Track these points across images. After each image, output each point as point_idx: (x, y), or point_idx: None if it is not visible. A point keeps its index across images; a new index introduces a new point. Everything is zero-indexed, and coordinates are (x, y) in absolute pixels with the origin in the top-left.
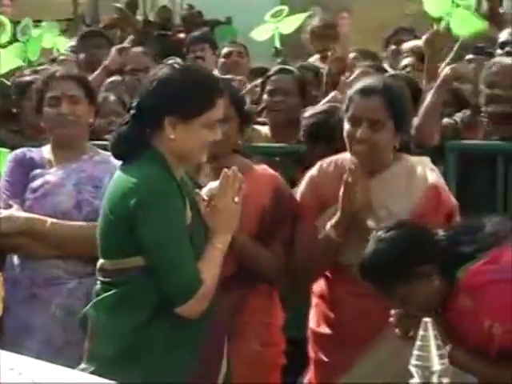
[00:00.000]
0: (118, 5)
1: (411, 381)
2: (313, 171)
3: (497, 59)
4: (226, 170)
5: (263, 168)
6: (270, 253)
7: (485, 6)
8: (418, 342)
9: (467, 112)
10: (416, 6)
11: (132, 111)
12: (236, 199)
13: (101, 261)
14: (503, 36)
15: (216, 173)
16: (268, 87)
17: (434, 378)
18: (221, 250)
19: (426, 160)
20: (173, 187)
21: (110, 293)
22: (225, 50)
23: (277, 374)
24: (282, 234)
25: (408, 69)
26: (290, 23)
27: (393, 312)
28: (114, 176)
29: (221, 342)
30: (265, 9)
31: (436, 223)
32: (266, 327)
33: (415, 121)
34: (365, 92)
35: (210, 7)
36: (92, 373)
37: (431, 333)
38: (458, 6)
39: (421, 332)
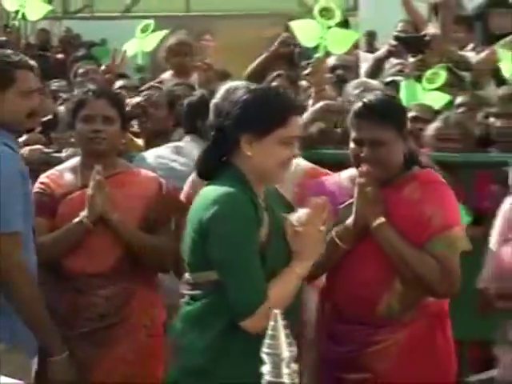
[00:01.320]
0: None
1: (263, 367)
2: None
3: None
4: (315, 198)
5: (145, 171)
6: (158, 241)
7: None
8: (269, 332)
9: None
10: (274, 30)
11: (212, 132)
12: (322, 228)
13: (186, 274)
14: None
15: None
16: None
17: (283, 364)
18: (297, 275)
19: None
20: (248, 204)
21: (190, 307)
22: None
23: (161, 364)
24: (167, 229)
25: None
26: (152, 40)
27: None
28: (200, 192)
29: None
30: (136, 32)
31: None
32: (151, 318)
33: None
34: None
35: (87, 30)
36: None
37: (280, 323)
38: (329, 27)
39: (271, 322)
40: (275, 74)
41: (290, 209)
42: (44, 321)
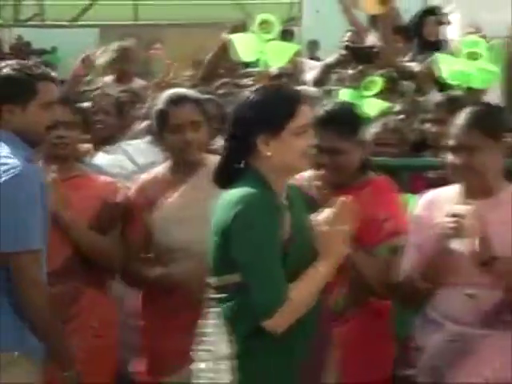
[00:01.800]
0: None
1: (201, 364)
2: (143, 176)
3: None
4: (342, 198)
5: (104, 177)
6: (107, 244)
7: None
8: (208, 330)
9: None
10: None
11: (226, 140)
12: (346, 227)
13: (211, 278)
14: None
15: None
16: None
17: (222, 362)
18: (322, 274)
19: None
20: (269, 204)
21: (215, 310)
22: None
23: (109, 364)
24: (115, 233)
25: None
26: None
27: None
28: (220, 196)
29: (321, 354)
30: (85, 39)
31: None
32: (99, 319)
33: None
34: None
35: (37, 38)
36: None
37: (220, 321)
38: (268, 40)
39: (210, 321)
40: (220, 82)
41: (313, 206)
42: (58, 337)
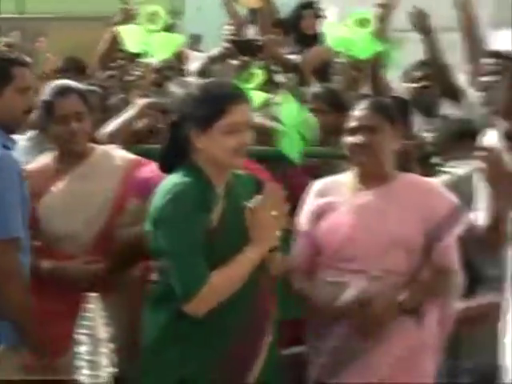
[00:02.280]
0: None
1: (81, 348)
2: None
3: None
4: (270, 183)
5: None
6: None
7: None
8: (87, 314)
9: None
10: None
11: (169, 130)
12: (274, 213)
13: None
14: None
15: None
16: None
17: (101, 345)
18: (250, 259)
19: None
20: (196, 195)
21: (153, 290)
22: None
23: None
24: None
25: None
26: None
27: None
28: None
29: (252, 343)
30: None
31: None
32: None
33: None
34: None
35: None
36: None
37: (98, 306)
38: (153, 32)
39: (89, 305)
40: (108, 74)
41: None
42: (32, 326)
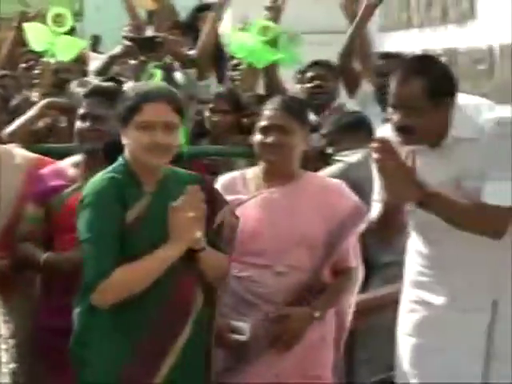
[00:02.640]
0: None
1: None
2: None
3: None
4: (190, 186)
5: None
6: None
7: None
8: None
9: None
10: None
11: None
12: (191, 214)
13: None
14: None
15: None
16: None
17: (1, 341)
18: (164, 256)
19: None
20: (112, 189)
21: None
22: None
23: None
24: None
25: None
26: None
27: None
28: None
29: (163, 341)
30: None
31: None
32: None
33: None
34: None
35: None
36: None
37: None
38: (58, 34)
39: None
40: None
41: (213, 202)
42: None
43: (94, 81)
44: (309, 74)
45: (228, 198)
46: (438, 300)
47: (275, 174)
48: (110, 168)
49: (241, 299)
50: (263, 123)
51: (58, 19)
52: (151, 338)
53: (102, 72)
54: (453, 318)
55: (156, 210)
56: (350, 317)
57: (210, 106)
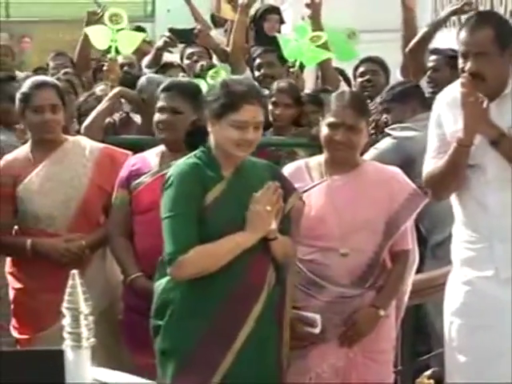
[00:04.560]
0: None
1: (63, 321)
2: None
3: None
4: (271, 182)
5: None
6: None
7: None
8: (68, 289)
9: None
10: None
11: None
12: (268, 208)
13: None
14: None
15: None
16: None
17: (82, 317)
18: (236, 242)
19: None
20: (195, 173)
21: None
22: None
23: None
24: None
25: None
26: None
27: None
28: None
29: (238, 314)
30: None
31: None
32: None
33: None
34: None
35: None
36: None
37: (78, 281)
38: (118, 30)
39: (70, 281)
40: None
41: (284, 189)
42: None
43: (159, 77)
44: (361, 69)
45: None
46: (484, 273)
47: (339, 164)
48: (191, 154)
49: (308, 281)
50: (333, 119)
51: (115, 18)
52: (227, 310)
53: (151, 65)
54: (495, 291)
55: (233, 193)
56: (407, 296)
57: (273, 99)
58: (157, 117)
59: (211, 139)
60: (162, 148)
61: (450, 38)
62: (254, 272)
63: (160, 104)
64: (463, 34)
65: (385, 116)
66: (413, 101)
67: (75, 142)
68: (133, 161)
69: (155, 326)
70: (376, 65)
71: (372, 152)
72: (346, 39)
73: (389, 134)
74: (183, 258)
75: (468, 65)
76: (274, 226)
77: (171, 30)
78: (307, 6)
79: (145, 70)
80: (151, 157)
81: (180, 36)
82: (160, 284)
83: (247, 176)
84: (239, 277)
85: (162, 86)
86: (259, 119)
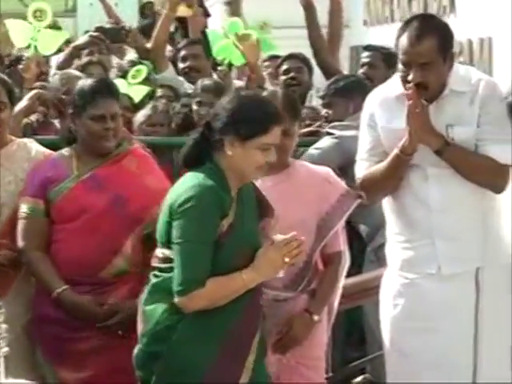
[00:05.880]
0: None
1: None
2: None
3: None
4: (295, 233)
5: None
6: None
7: None
8: None
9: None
10: None
11: (202, 129)
12: (286, 259)
13: (157, 249)
14: None
15: None
16: None
17: None
18: (243, 282)
19: None
20: (215, 196)
21: (156, 278)
22: None
23: None
24: None
25: None
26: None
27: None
28: (182, 177)
29: (244, 341)
30: None
31: None
32: None
33: None
34: None
35: None
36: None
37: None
38: (40, 29)
39: None
40: None
41: (261, 207)
42: None
43: (79, 74)
44: (284, 67)
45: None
46: (426, 272)
47: (269, 165)
48: (201, 173)
49: None
50: None
51: (39, 14)
52: (234, 338)
53: (64, 65)
54: (439, 289)
55: (241, 217)
56: (338, 299)
57: (197, 99)
58: (104, 125)
59: (224, 159)
60: (72, 151)
61: (382, 35)
62: (256, 296)
63: (102, 111)
64: (405, 42)
65: (325, 111)
66: (357, 97)
67: (20, 145)
68: (43, 167)
69: (151, 352)
70: (300, 62)
71: (312, 152)
72: (259, 31)
73: (329, 133)
74: (198, 292)
75: (412, 75)
76: (281, 274)
77: (99, 29)
78: (227, 4)
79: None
80: (62, 161)
81: (108, 35)
82: (154, 310)
83: (243, 196)
84: (244, 303)
85: (93, 89)
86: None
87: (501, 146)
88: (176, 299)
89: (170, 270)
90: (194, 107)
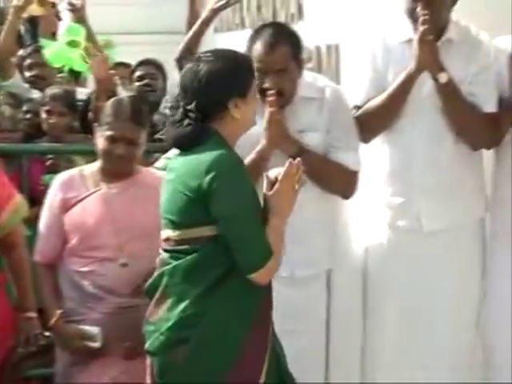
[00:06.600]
0: None
1: None
2: None
3: None
4: (291, 159)
5: None
6: None
7: None
8: None
9: None
10: None
11: (190, 113)
12: (296, 186)
13: (169, 232)
14: None
15: None
16: None
17: None
18: (279, 227)
19: None
20: (242, 163)
21: (183, 260)
22: None
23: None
24: None
25: None
26: None
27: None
28: (178, 161)
29: (268, 327)
30: None
31: None
32: None
33: None
34: None
35: None
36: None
37: None
38: None
39: None
40: None
41: None
42: None
43: None
44: (138, 73)
45: (67, 195)
46: (277, 274)
47: (113, 173)
48: (211, 145)
49: (87, 294)
50: (111, 133)
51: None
52: (261, 322)
53: None
54: (292, 292)
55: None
56: None
57: (46, 108)
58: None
59: (225, 128)
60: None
61: (231, 41)
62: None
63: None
64: (260, 50)
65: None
66: None
67: None
68: None
69: (176, 338)
70: (153, 68)
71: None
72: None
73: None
74: (271, 260)
75: (269, 82)
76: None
77: None
78: (71, 11)
79: None
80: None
81: None
82: (180, 295)
83: None
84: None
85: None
86: None
87: (350, 153)
88: (253, 275)
89: (192, 251)
90: (43, 115)
